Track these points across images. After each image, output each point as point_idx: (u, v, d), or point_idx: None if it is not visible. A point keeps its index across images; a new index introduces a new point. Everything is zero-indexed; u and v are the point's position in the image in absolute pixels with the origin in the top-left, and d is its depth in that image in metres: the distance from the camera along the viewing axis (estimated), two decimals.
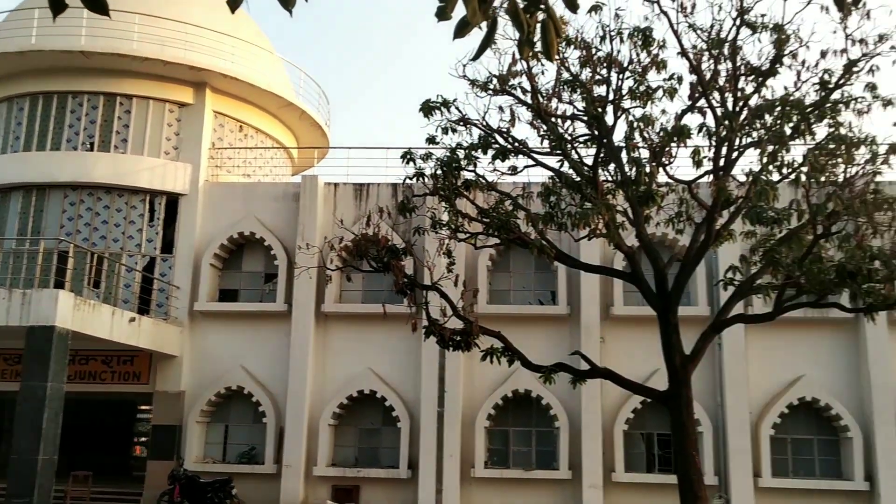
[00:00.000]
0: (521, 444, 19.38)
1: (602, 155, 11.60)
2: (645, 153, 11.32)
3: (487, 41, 2.79)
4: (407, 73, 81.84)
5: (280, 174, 24.63)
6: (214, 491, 18.33)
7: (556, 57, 11.13)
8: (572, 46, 11.33)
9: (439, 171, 12.00)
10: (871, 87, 10.93)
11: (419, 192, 12.62)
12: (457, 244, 12.73)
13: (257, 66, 22.66)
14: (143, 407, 25.60)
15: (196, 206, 20.78)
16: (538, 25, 2.92)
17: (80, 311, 15.83)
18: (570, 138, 11.82)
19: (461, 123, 11.91)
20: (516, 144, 11.91)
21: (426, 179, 12.13)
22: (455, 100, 11.80)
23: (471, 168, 12.13)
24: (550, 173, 12.09)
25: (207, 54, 21.11)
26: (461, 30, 2.67)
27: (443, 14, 2.63)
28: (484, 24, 2.73)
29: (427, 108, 11.79)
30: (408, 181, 12.16)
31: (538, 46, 3.03)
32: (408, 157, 12.05)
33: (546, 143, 11.77)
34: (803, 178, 10.71)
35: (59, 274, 18.07)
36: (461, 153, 11.97)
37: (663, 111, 11.57)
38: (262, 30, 25.02)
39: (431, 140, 12.09)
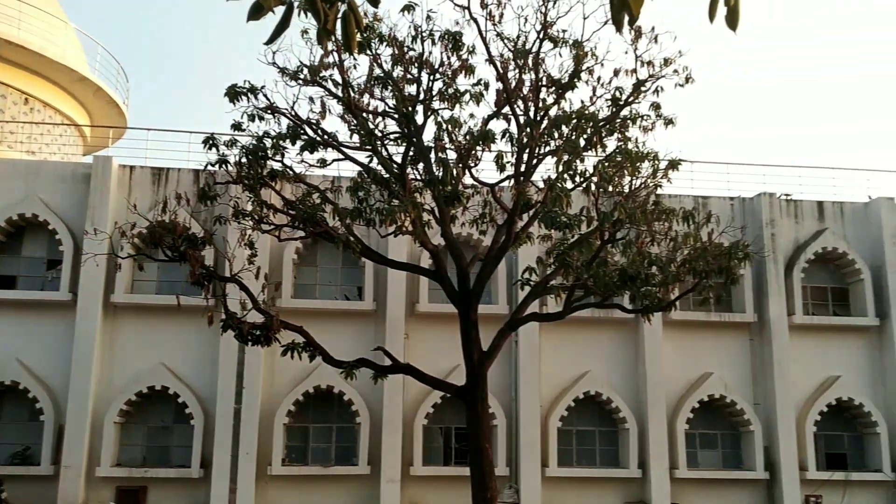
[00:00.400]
0: (321, 441, 19.22)
1: (411, 153, 11.77)
2: (452, 154, 11.63)
3: (282, 26, 2.72)
4: (214, 56, 78.65)
5: (70, 153, 22.79)
6: None
7: (368, 53, 11.17)
8: (385, 44, 11.40)
9: (244, 160, 11.65)
10: (656, 107, 11.92)
11: (222, 180, 12.16)
12: (260, 236, 12.41)
13: (48, 35, 20.82)
14: None
15: None
16: (339, 17, 2.87)
17: None
18: (380, 135, 11.89)
19: (269, 111, 11.63)
20: (326, 137, 11.82)
21: (230, 167, 11.73)
22: (263, 87, 11.52)
23: (278, 158, 11.88)
24: (359, 168, 12.09)
25: None
26: (255, 13, 2.58)
27: None
28: (280, 9, 2.65)
29: (233, 94, 11.41)
30: (210, 168, 11.70)
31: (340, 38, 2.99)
32: (210, 142, 11.59)
33: (356, 137, 11.77)
34: (593, 187, 11.45)
35: None
36: (268, 142, 11.68)
37: (471, 115, 11.98)
38: None
39: (237, 127, 11.72)
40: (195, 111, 71.95)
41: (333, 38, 9.46)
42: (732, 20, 2.85)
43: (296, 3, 2.63)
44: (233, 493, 17.81)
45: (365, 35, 11.06)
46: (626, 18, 2.53)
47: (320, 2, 2.59)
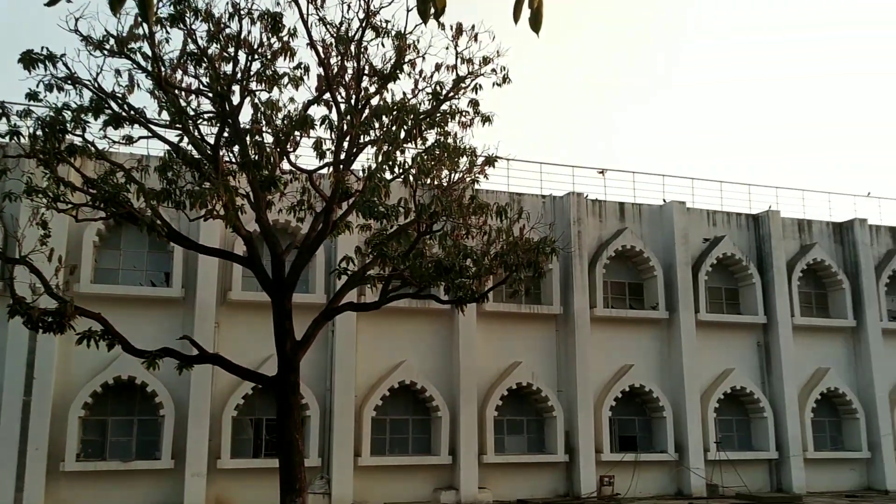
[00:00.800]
0: (121, 434, 18.13)
1: (225, 135, 11.33)
2: (269, 138, 11.33)
3: None
4: (12, 18, 72.01)
5: None
6: None
7: (182, 27, 10.63)
8: (200, 19, 10.88)
9: (39, 132, 10.71)
10: (475, 104, 12.23)
11: (14, 153, 11.13)
12: (55, 215, 11.48)
13: None
14: None
15: None
16: None
17: None
18: (192, 113, 11.36)
19: (69, 82, 10.77)
20: (132, 113, 11.11)
21: (23, 139, 10.76)
22: (63, 55, 10.64)
23: (78, 132, 11.04)
24: (168, 148, 11.48)
25: None
26: None
27: None
28: None
29: (28, 60, 10.47)
30: (0, 139, 10.68)
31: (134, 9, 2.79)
32: (0, 111, 10.57)
33: (166, 115, 11.16)
34: (412, 178, 11.58)
35: None
36: (68, 115, 10.83)
37: (291, 99, 11.72)
38: None
39: (33, 96, 10.77)
40: None
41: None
42: (536, 22, 2.95)
43: None
44: (20, 491, 16.41)
45: (178, 8, 10.50)
46: (432, 11, 2.55)
47: None
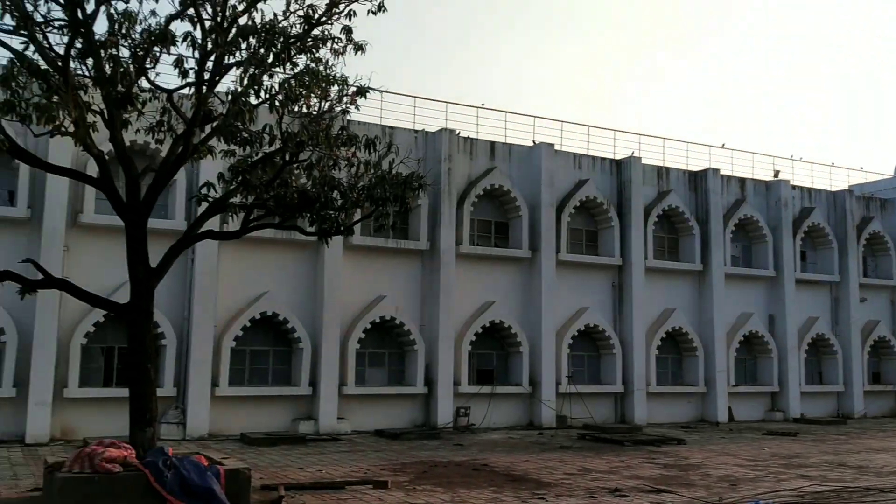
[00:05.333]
0: None
1: (77, 45, 10.49)
2: (126, 53, 10.60)
3: None
4: None
5: None
6: None
7: None
8: None
9: None
10: (348, 31, 11.83)
11: None
12: None
13: None
14: None
15: None
16: None
17: None
18: (41, 20, 10.42)
19: None
20: None
21: None
22: None
23: None
24: (12, 56, 10.53)
25: None
26: None
27: None
28: None
29: None
30: None
31: None
32: None
33: (9, 19, 10.18)
34: (278, 105, 11.19)
35: None
36: None
37: (153, 12, 10.92)
38: None
39: None
40: None
41: None
42: None
43: None
44: None
45: None
46: None
47: None
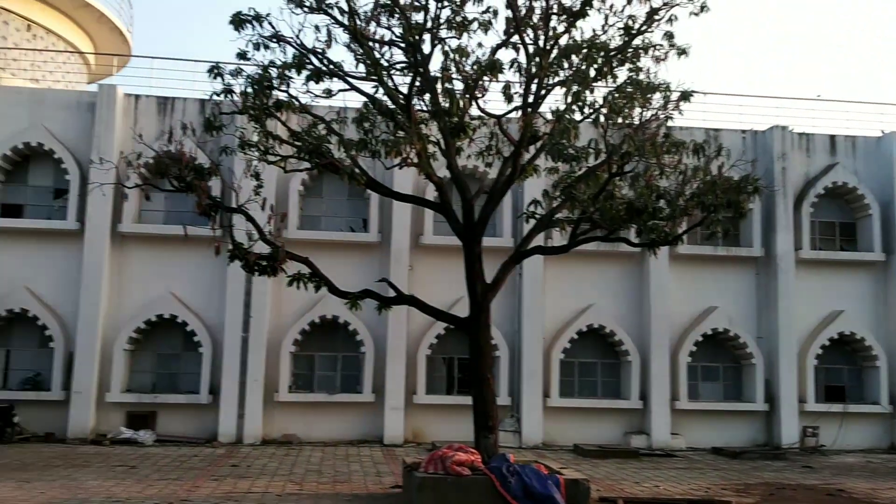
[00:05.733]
0: (327, 369, 19.51)
1: (417, 84, 11.57)
2: (459, 85, 11.43)
3: None
4: None
5: (74, 81, 22.50)
6: None
7: None
8: None
9: (249, 89, 11.47)
10: (669, 36, 11.62)
11: (228, 110, 12.02)
12: (266, 167, 12.33)
13: None
14: None
15: None
16: None
17: None
18: (386, 64, 11.67)
19: (274, 40, 11.40)
20: (331, 67, 11.60)
21: (235, 97, 11.57)
22: (268, 14, 11.26)
23: (283, 88, 11.70)
24: (365, 99, 11.92)
25: None
26: None
27: None
28: None
29: (238, 21, 11.18)
30: (215, 98, 11.55)
31: None
32: (216, 71, 11.41)
33: (362, 67, 11.55)
34: (602, 118, 11.28)
35: None
36: (273, 72, 11.49)
37: (479, 44, 11.69)
38: None
39: (242, 56, 11.51)
40: (200, 39, 70.83)
41: None
42: None
43: None
44: (241, 418, 18.19)
45: None
46: None
47: None
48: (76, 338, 18.17)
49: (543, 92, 11.73)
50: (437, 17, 11.31)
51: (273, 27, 11.33)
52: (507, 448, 15.96)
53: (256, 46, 11.43)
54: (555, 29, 11.58)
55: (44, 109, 19.09)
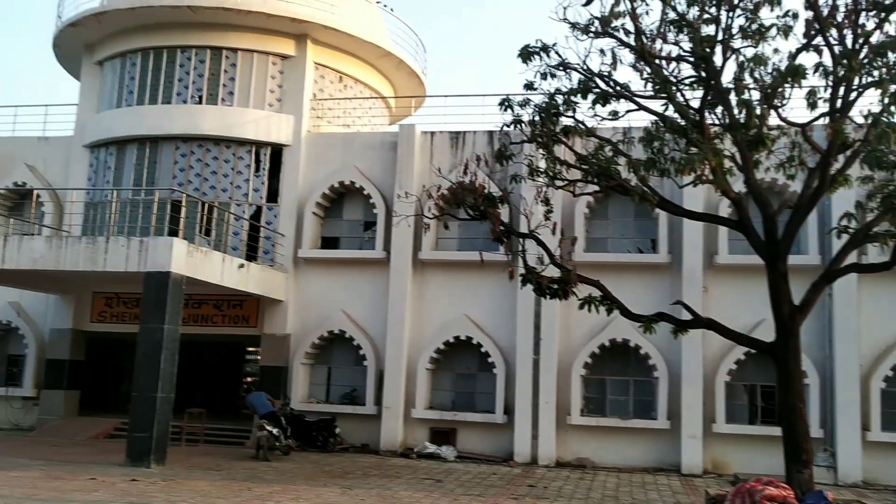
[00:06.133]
0: (618, 393, 19.28)
1: (709, 97, 11.17)
2: (756, 95, 10.85)
3: None
4: (505, 17, 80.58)
5: (378, 124, 24.82)
6: (319, 429, 19.17)
7: None
8: None
9: (537, 118, 11.82)
10: None
11: (516, 140, 12.48)
12: (554, 192, 12.60)
13: (356, 16, 22.73)
14: (252, 349, 26.75)
15: (299, 157, 21.28)
16: None
17: (193, 257, 16.56)
18: (675, 81, 11.42)
19: (560, 68, 11.66)
20: (618, 88, 11.60)
21: (523, 126, 11.99)
22: (555, 44, 11.54)
23: (569, 114, 11.90)
24: (653, 118, 11.74)
25: (308, 6, 21.37)
26: None
27: None
28: None
29: (526, 54, 11.59)
30: (505, 128, 12.06)
31: None
32: (505, 104, 11.90)
33: (649, 86, 11.41)
34: None
35: (173, 223, 18.94)
36: (560, 98, 11.74)
37: (776, 50, 11.01)
38: None
39: (529, 86, 11.91)
40: (484, 74, 74.56)
41: None
42: None
43: None
44: (535, 439, 18.59)
45: None
46: None
47: None
48: (385, 357, 19.85)
49: (853, 95, 10.73)
50: (729, 27, 10.85)
51: (559, 56, 11.59)
52: (822, 485, 14.61)
53: (543, 76, 11.75)
54: (864, 26, 10.57)
55: (353, 151, 21.29)
